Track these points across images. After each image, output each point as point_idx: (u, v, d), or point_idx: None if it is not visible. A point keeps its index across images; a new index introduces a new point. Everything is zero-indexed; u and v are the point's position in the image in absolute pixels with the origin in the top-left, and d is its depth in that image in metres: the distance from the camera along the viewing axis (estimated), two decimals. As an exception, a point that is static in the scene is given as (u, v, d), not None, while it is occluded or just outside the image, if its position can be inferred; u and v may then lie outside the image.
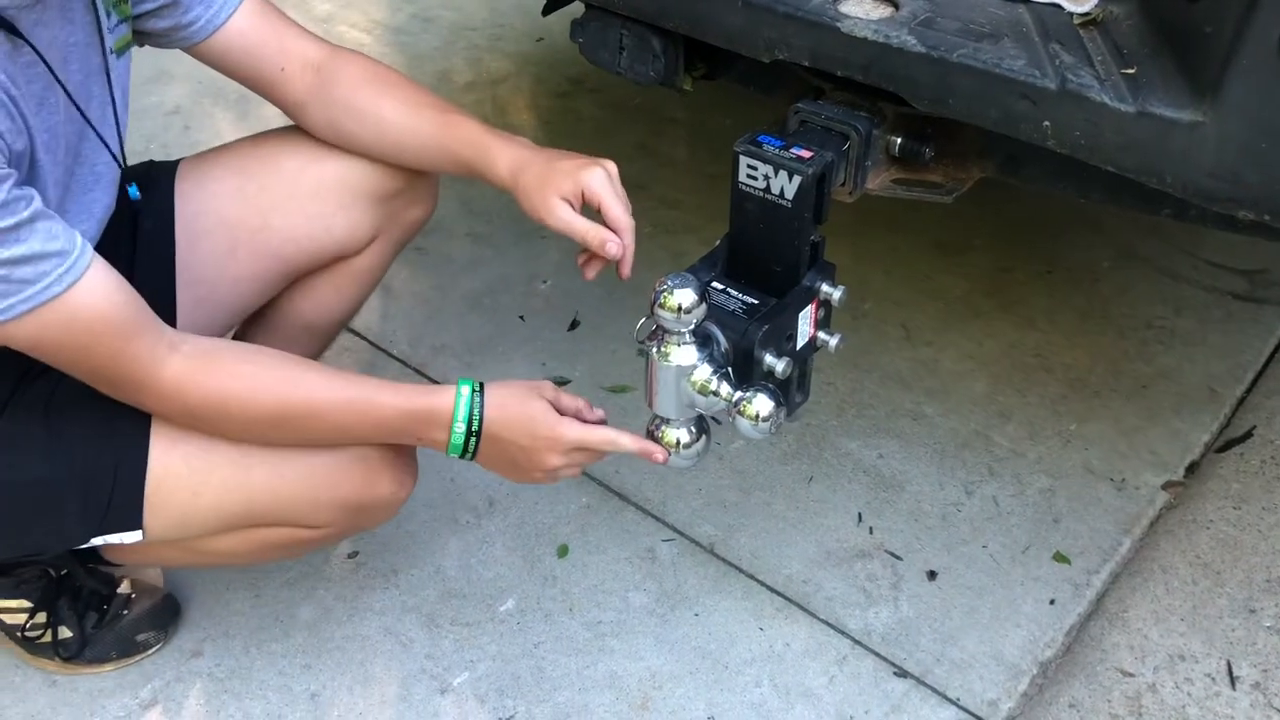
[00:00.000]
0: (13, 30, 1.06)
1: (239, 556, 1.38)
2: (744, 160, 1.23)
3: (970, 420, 1.93)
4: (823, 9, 1.27)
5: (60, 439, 1.25)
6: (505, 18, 3.14)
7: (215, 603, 1.63)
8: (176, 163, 1.46)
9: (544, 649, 1.58)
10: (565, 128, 2.72)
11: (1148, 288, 2.22)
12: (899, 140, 1.38)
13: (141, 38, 1.33)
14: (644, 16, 1.46)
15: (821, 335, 1.32)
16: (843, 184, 1.34)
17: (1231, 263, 2.26)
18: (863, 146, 1.32)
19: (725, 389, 1.18)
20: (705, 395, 1.19)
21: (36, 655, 1.53)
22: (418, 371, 2.04)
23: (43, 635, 1.52)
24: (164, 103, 2.77)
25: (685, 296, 1.14)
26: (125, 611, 1.55)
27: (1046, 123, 1.16)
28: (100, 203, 1.27)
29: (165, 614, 1.58)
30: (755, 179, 1.23)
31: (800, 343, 1.28)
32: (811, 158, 1.22)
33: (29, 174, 1.11)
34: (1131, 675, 1.53)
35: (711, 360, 1.19)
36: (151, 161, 1.47)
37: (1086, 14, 1.22)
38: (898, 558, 1.71)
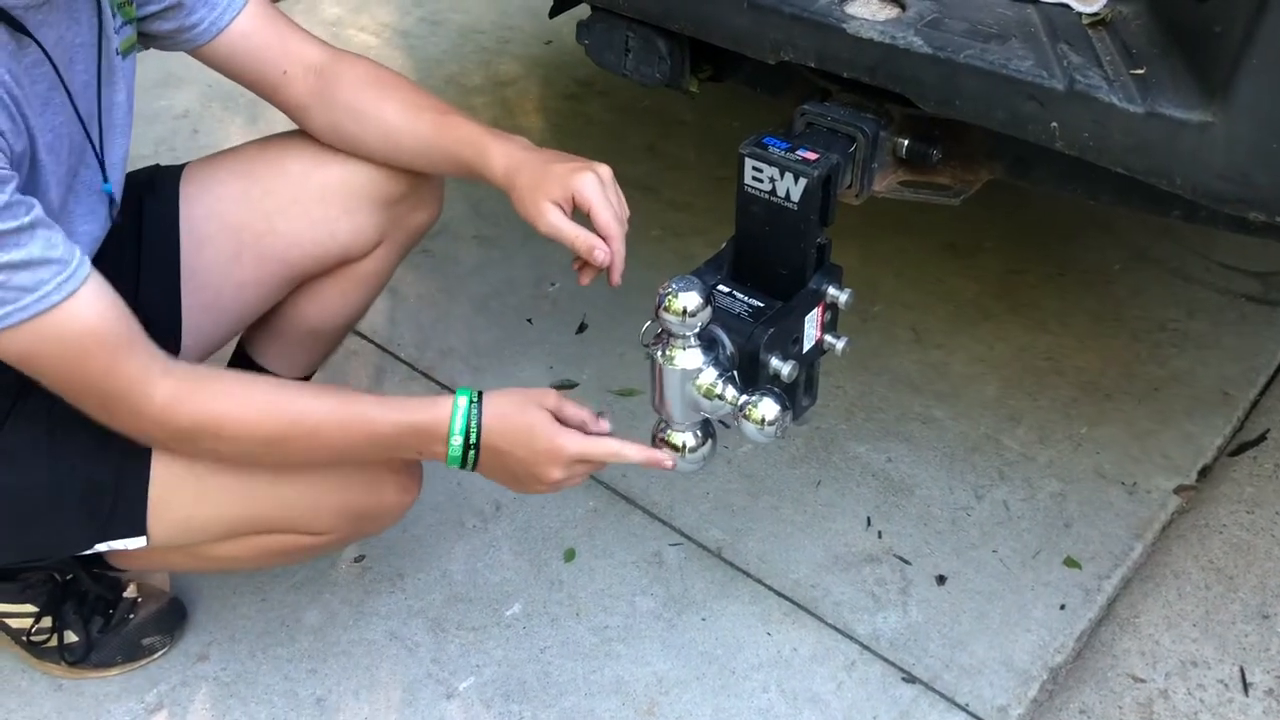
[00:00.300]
0: (20, 28, 1.06)
1: (243, 562, 1.38)
2: (749, 162, 1.22)
3: (980, 424, 1.92)
4: (829, 10, 1.26)
5: (63, 446, 1.24)
6: (514, 20, 3.14)
7: (221, 607, 1.63)
8: (182, 167, 1.46)
9: (550, 654, 1.58)
10: (574, 130, 2.72)
11: (1160, 290, 2.20)
12: (906, 142, 1.37)
13: (146, 40, 1.33)
14: (649, 18, 1.46)
15: (828, 338, 1.31)
16: (849, 186, 1.33)
17: (1245, 265, 2.24)
18: (869, 148, 1.31)
19: (730, 393, 1.17)
20: (710, 399, 1.18)
21: (42, 659, 1.53)
22: (425, 375, 2.03)
23: (48, 640, 1.52)
24: (173, 106, 2.77)
25: (690, 299, 1.13)
26: (131, 615, 1.55)
27: (1054, 124, 1.14)
28: (104, 204, 1.27)
29: (171, 618, 1.58)
30: (761, 181, 1.22)
31: (806, 346, 1.27)
32: (817, 160, 1.21)
33: (31, 174, 1.10)
34: (1143, 681, 1.52)
35: (717, 364, 1.18)
36: (157, 166, 1.47)
37: (1095, 14, 1.21)
38: (907, 562, 1.69)
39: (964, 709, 1.50)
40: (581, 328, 2.11)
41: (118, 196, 1.29)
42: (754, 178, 1.23)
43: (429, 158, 1.37)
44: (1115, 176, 1.16)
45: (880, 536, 1.73)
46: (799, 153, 1.21)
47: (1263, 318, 2.13)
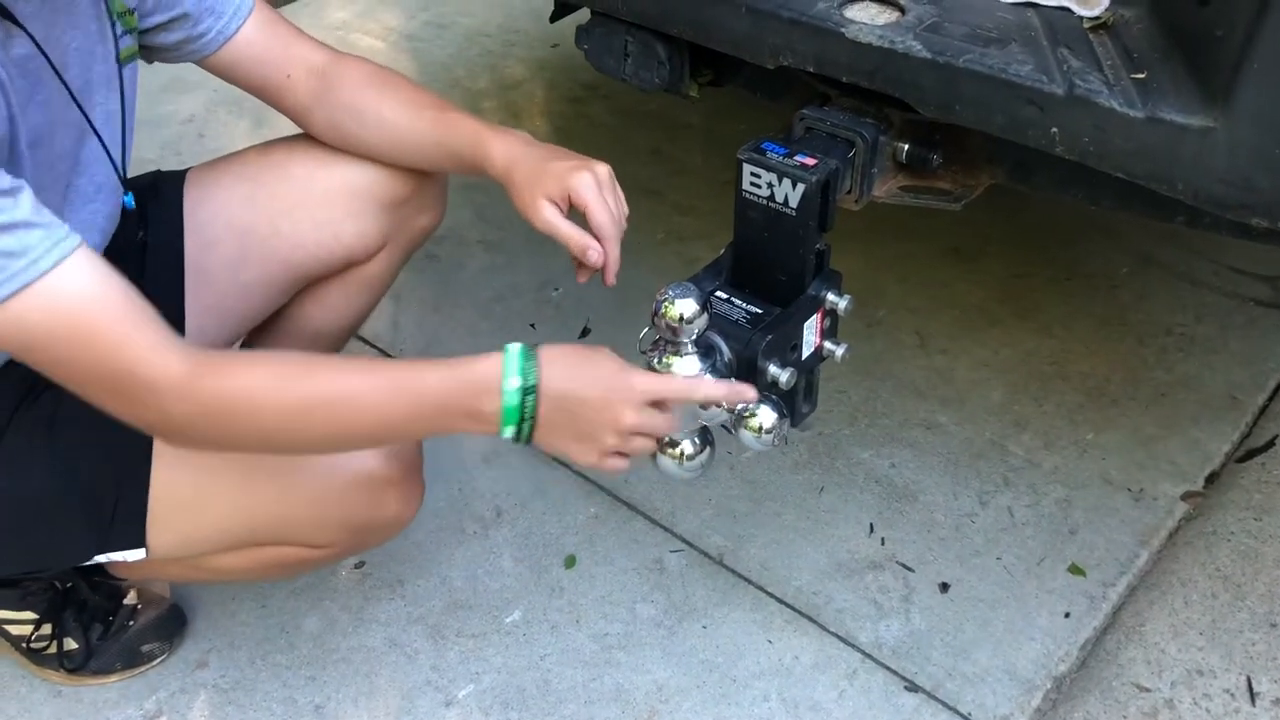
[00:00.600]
0: (7, 15, 1.04)
1: (243, 574, 1.37)
2: (747, 168, 1.22)
3: (985, 429, 1.91)
4: (827, 14, 1.26)
5: (63, 458, 1.23)
6: (519, 23, 3.14)
7: (221, 613, 1.62)
8: (185, 171, 1.46)
9: (550, 661, 1.57)
10: (579, 133, 2.72)
11: (1167, 294, 2.18)
12: (906, 147, 1.36)
13: (150, 53, 1.33)
14: (648, 23, 1.45)
15: (827, 345, 1.30)
16: (849, 191, 1.32)
17: (1253, 268, 2.22)
18: (869, 153, 1.30)
19: (728, 400, 1.16)
20: (708, 406, 1.17)
21: (42, 666, 1.53)
22: (427, 380, 2.03)
23: (48, 646, 1.52)
24: (179, 111, 2.78)
25: (686, 306, 1.12)
26: (131, 622, 1.55)
27: (1054, 129, 1.13)
28: (102, 214, 1.27)
29: (171, 625, 1.58)
30: (759, 187, 1.22)
31: (805, 353, 1.27)
32: (816, 165, 1.20)
33: (11, 167, 1.05)
34: (1148, 690, 1.50)
35: (714, 371, 1.18)
36: (159, 170, 1.47)
37: (1096, 18, 1.20)
38: (910, 569, 1.68)
39: (967, 718, 1.48)
40: (584, 332, 2.11)
41: (117, 209, 1.29)
42: (752, 183, 1.22)
43: (430, 154, 1.37)
44: (1116, 182, 1.15)
45: (883, 543, 1.72)
46: (797, 158, 1.21)
47: (1271, 322, 2.11)
